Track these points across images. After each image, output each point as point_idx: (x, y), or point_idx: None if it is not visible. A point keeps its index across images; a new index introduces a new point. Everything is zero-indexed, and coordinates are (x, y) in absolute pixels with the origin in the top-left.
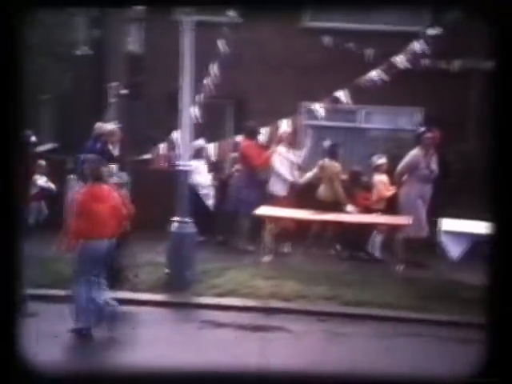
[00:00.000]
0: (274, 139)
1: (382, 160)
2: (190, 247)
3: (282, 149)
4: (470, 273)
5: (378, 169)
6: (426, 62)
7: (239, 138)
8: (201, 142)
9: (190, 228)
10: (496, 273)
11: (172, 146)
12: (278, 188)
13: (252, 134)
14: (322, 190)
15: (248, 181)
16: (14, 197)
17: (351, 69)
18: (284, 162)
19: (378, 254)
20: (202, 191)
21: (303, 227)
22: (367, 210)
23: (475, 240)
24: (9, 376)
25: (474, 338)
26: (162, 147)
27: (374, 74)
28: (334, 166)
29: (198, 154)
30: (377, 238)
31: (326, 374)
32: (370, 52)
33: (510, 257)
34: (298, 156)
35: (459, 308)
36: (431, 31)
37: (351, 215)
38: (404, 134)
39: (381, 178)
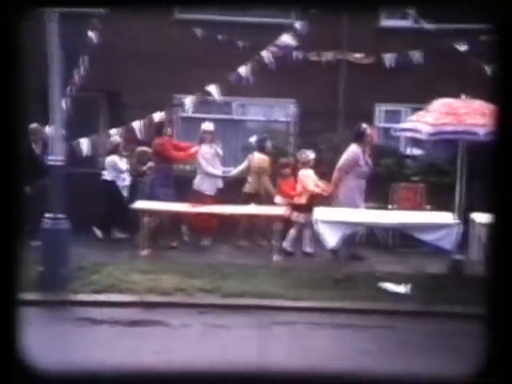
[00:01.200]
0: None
1: (310, 155)
2: (63, 244)
3: (205, 148)
4: (346, 260)
5: (305, 164)
6: (297, 54)
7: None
8: (116, 137)
9: (64, 224)
10: (495, 268)
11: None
12: (205, 187)
13: (162, 131)
14: (250, 184)
15: (163, 178)
16: (13, 197)
17: (224, 61)
18: (210, 161)
19: (307, 247)
20: (121, 185)
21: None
22: (292, 202)
23: (350, 228)
24: (9, 376)
25: (350, 323)
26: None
27: (247, 66)
28: (263, 159)
29: (114, 149)
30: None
31: (326, 374)
32: (242, 44)
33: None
34: (219, 150)
35: (334, 295)
36: (300, 23)
37: (226, 207)
38: (279, 126)
39: (307, 173)
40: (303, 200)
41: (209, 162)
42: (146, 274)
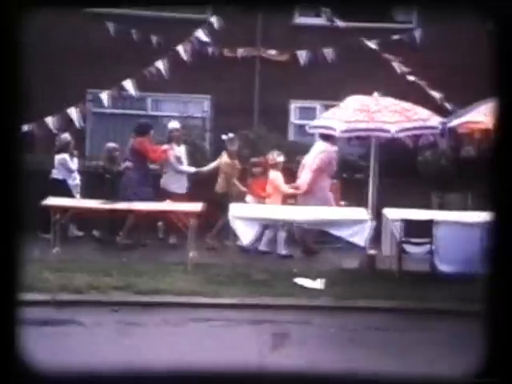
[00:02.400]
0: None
1: (280, 158)
2: None
3: (175, 146)
4: (260, 256)
5: (274, 166)
6: (212, 49)
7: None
8: (66, 135)
9: None
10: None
11: None
12: (175, 186)
13: (144, 131)
14: (219, 183)
15: (140, 178)
16: (14, 197)
17: (138, 56)
18: (180, 159)
19: (282, 249)
20: (71, 184)
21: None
22: (263, 202)
23: (265, 224)
24: (9, 376)
25: (266, 319)
26: None
27: (161, 62)
28: (227, 159)
29: (64, 147)
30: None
31: (323, 375)
32: (156, 39)
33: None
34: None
35: (251, 291)
36: (214, 19)
37: (141, 203)
38: (194, 122)
39: (276, 175)
40: (276, 201)
41: (179, 160)
42: (58, 271)
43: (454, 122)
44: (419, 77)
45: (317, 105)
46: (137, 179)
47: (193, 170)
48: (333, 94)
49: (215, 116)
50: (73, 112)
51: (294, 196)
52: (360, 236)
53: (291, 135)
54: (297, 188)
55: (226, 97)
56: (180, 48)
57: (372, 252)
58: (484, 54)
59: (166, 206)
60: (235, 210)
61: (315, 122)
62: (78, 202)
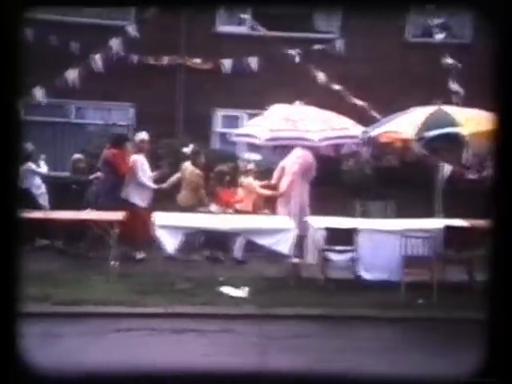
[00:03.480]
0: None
1: (249, 165)
2: None
3: (142, 158)
4: (185, 265)
5: (247, 172)
6: (134, 57)
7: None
8: (29, 144)
9: None
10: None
11: None
12: (137, 198)
13: (120, 143)
14: (183, 196)
15: (110, 188)
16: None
17: (55, 62)
18: (145, 171)
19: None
20: (37, 192)
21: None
22: (231, 209)
23: (189, 233)
24: (9, 376)
25: (189, 328)
26: None
27: (79, 69)
28: (195, 172)
29: (27, 157)
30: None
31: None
32: (75, 45)
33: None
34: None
35: (174, 300)
36: (134, 26)
37: (64, 212)
38: (118, 130)
39: (249, 181)
40: (248, 207)
41: (144, 172)
42: None
43: (376, 132)
44: (342, 86)
45: (241, 113)
46: (106, 190)
47: (153, 186)
48: (257, 103)
49: (139, 124)
50: None
51: (272, 201)
52: (284, 244)
53: (215, 144)
54: (272, 188)
55: (150, 105)
56: (97, 56)
57: (296, 260)
58: (405, 63)
59: (87, 214)
60: (159, 218)
61: (239, 131)
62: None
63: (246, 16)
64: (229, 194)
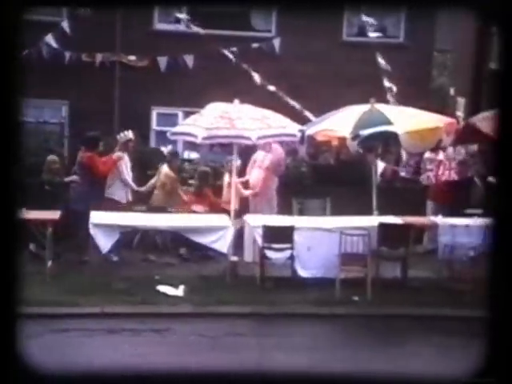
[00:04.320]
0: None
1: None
2: None
3: (126, 157)
4: (123, 264)
5: (231, 172)
6: (68, 54)
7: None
8: None
9: None
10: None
11: None
12: (120, 195)
13: (93, 145)
14: (156, 196)
15: (88, 190)
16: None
17: None
18: (128, 171)
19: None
20: None
21: None
22: (217, 209)
23: (124, 232)
24: (9, 376)
25: (125, 328)
26: None
27: None
28: (170, 174)
29: None
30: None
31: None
32: None
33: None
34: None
35: (110, 299)
36: (68, 23)
37: None
38: (51, 128)
39: (236, 180)
40: (235, 205)
41: (128, 171)
42: None
43: (312, 130)
44: (278, 85)
45: (178, 111)
46: (85, 192)
47: (135, 187)
48: (194, 101)
49: (73, 122)
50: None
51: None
52: (222, 242)
53: (153, 142)
54: (247, 185)
55: (85, 102)
56: (30, 52)
57: (234, 258)
58: (340, 62)
59: (24, 214)
60: (95, 217)
61: (176, 129)
62: None
63: (183, 15)
64: (213, 195)
